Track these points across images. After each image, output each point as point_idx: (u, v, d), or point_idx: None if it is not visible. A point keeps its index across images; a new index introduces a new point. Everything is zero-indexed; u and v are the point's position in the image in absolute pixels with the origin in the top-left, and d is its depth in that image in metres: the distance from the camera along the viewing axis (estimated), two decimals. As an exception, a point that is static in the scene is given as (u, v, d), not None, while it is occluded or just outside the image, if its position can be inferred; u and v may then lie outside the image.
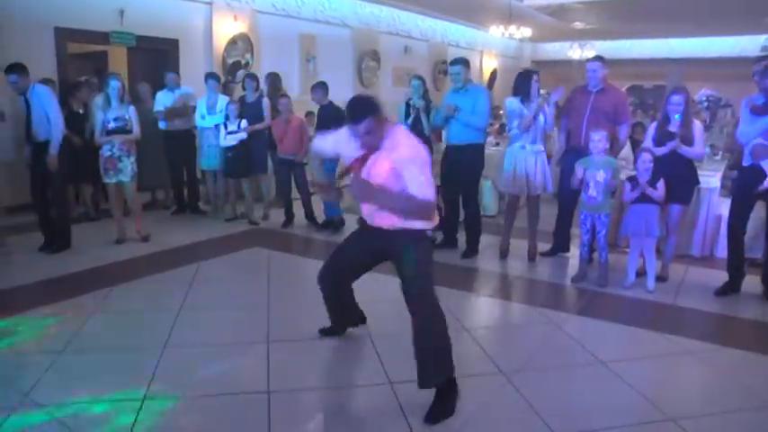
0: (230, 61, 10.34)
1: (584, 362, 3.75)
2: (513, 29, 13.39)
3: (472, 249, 6.07)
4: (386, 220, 3.19)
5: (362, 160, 3.20)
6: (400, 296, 3.89)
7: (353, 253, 3.53)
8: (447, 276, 5.40)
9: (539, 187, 5.76)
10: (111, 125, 6.20)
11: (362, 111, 3.05)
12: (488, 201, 7.81)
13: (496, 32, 13.97)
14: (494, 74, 18.12)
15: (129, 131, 6.28)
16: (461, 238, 6.24)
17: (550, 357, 3.81)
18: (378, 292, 4.38)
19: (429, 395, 3.15)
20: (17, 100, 6.50)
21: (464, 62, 5.95)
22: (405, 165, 3.00)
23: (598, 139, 5.04)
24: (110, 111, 6.24)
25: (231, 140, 7.24)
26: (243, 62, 10.54)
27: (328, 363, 3.78)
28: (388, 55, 13.84)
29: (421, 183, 3.00)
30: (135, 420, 2.99)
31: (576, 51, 18.40)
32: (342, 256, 3.59)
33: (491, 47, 17.75)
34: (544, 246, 6.13)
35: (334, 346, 3.97)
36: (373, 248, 3.37)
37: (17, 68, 5.77)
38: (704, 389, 3.58)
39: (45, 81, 7.01)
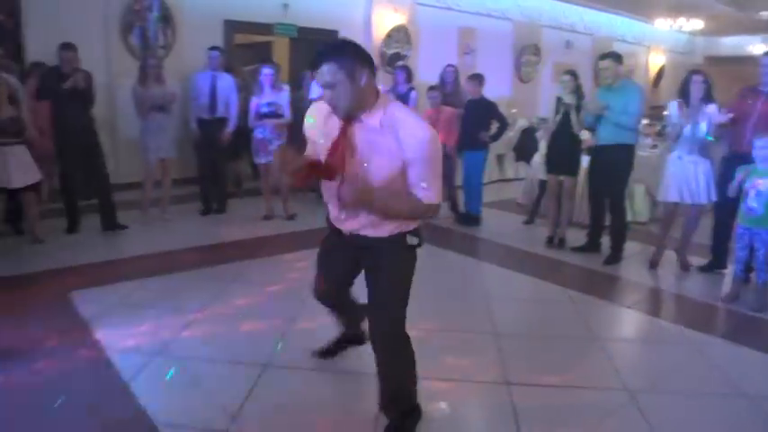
0: (389, 53, 10.53)
1: (724, 392, 3.42)
2: (681, 21, 12.44)
3: (615, 256, 5.75)
4: (358, 224, 2.62)
5: (338, 145, 2.48)
6: (531, 296, 3.82)
7: (338, 265, 2.97)
8: (585, 281, 5.26)
9: (698, 198, 5.32)
10: (264, 110, 6.59)
11: (335, 50, 2.38)
12: (640, 206, 7.36)
13: (663, 25, 13.08)
14: (660, 71, 17.07)
15: (281, 116, 6.62)
16: (606, 243, 5.94)
17: (684, 381, 3.51)
18: (509, 290, 4.31)
19: (542, 400, 3.06)
20: (184, 85, 7.47)
21: (614, 57, 5.66)
22: (418, 160, 2.40)
23: (762, 146, 4.59)
24: (262, 96, 6.61)
25: None
26: (402, 54, 10.70)
27: (446, 355, 3.72)
28: (550, 50, 13.50)
29: (431, 182, 2.46)
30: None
31: (758, 47, 16.75)
32: (330, 269, 3.01)
33: (659, 42, 16.71)
34: (701, 261, 5.68)
35: (455, 338, 3.93)
36: (349, 257, 2.84)
37: (219, 48, 7.18)
38: None
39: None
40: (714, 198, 5.33)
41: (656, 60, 17.07)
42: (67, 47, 5.95)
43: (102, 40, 7.72)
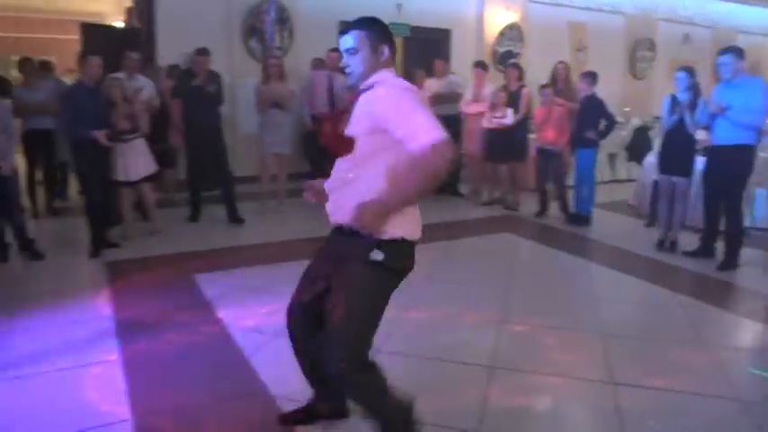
0: (501, 50, 10.59)
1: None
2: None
3: (730, 262, 5.59)
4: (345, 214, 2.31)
5: (335, 119, 2.45)
6: (640, 299, 3.82)
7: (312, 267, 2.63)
8: (696, 287, 5.23)
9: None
10: None
11: (365, 21, 2.48)
12: (761, 211, 7.09)
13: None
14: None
15: None
16: (720, 248, 5.77)
17: None
18: (617, 292, 4.33)
19: (647, 402, 3.13)
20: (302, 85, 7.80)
21: (736, 51, 5.49)
22: (385, 117, 2.21)
23: None
24: None
25: (493, 124, 7.53)
26: (515, 51, 10.73)
27: (552, 351, 3.82)
28: (665, 44, 13.12)
29: (410, 124, 2.15)
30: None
31: None
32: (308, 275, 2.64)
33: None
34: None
35: (562, 336, 4.02)
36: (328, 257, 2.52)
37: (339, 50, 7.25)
38: None
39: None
40: None
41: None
42: (201, 52, 6.48)
43: (224, 43, 8.26)
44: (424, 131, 2.12)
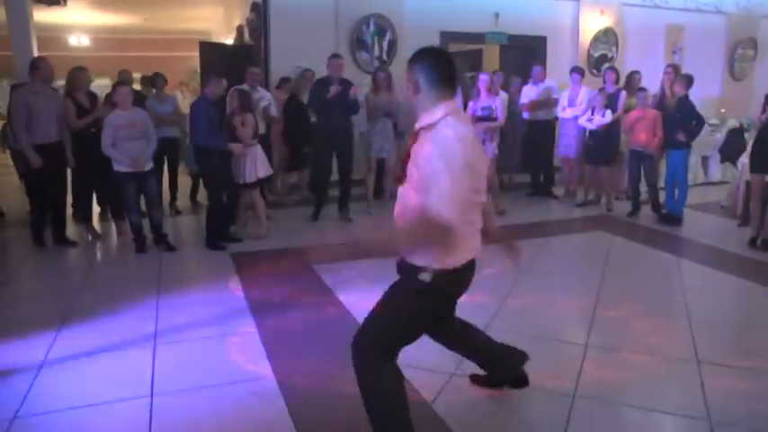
0: (596, 54, 10.89)
1: None
2: None
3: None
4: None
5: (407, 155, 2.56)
6: (729, 291, 4.25)
7: None
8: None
9: None
10: (479, 113, 7.38)
11: (416, 54, 2.57)
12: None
13: None
14: None
15: (495, 119, 7.38)
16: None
17: None
18: (707, 284, 4.75)
19: (731, 380, 3.57)
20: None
21: None
22: (424, 169, 2.39)
23: None
24: (479, 101, 7.41)
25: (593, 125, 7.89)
26: (609, 55, 11.02)
27: (642, 333, 4.25)
28: (768, 42, 12.91)
29: (441, 193, 2.33)
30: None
31: None
32: None
33: None
34: None
35: (652, 320, 4.46)
36: None
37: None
38: None
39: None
40: None
41: None
42: (338, 55, 7.33)
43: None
44: (439, 205, 2.32)
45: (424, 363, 3.64)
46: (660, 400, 3.42)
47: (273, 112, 7.41)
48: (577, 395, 3.44)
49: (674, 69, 8.19)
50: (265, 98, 7.30)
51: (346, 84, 7.16)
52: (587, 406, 3.33)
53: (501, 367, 3.34)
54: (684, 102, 7.23)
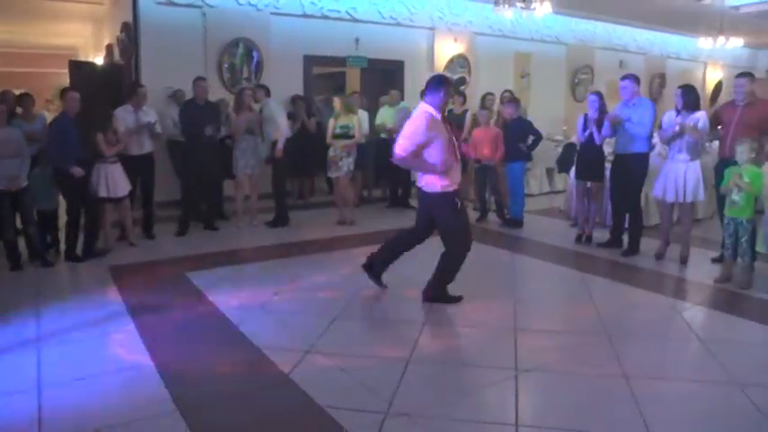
0: (455, 77, 11.76)
1: (682, 338, 4.56)
2: (721, 40, 13.06)
3: (632, 249, 6.77)
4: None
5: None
6: (553, 276, 4.87)
7: None
8: (606, 268, 6.38)
9: (689, 195, 6.27)
10: (338, 131, 7.92)
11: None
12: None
13: (706, 44, 13.70)
14: (718, 86, 17.61)
15: (352, 137, 7.95)
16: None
17: (653, 330, 4.69)
18: (534, 272, 5.44)
19: (541, 344, 4.20)
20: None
21: (632, 78, 6.74)
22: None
23: (741, 150, 5.55)
24: (338, 120, 7.95)
25: None
26: (468, 79, 11.95)
27: (472, 313, 4.92)
28: (603, 69, 14.41)
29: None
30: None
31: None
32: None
33: (717, 57, 17.25)
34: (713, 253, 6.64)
35: (484, 303, 5.10)
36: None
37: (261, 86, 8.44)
38: None
39: (296, 97, 9.20)
40: (701, 198, 6.36)
41: (713, 76, 17.63)
42: (200, 79, 7.70)
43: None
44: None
45: (281, 343, 4.25)
46: (476, 358, 4.04)
47: (158, 129, 7.55)
48: (411, 360, 4.00)
49: (508, 96, 9.16)
50: (150, 115, 7.47)
51: (211, 105, 7.65)
52: (417, 368, 3.91)
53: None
54: (518, 121, 8.22)
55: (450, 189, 4.86)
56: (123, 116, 7.18)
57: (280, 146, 7.91)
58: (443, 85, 4.86)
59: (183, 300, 5.22)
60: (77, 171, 6.28)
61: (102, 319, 4.74)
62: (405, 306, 5.11)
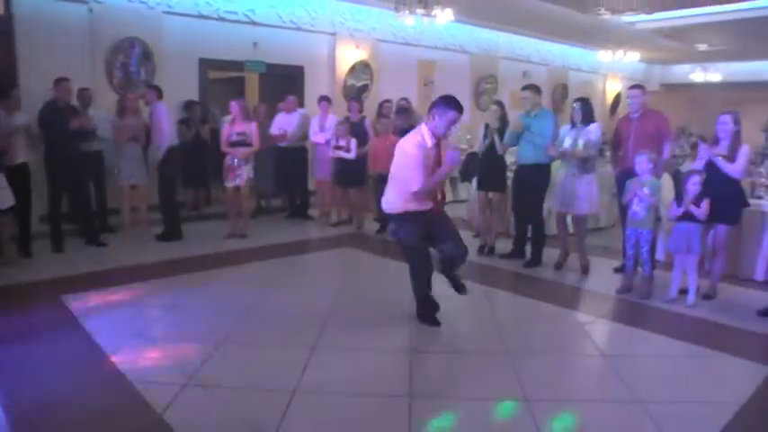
0: (358, 84, 11.47)
1: (585, 353, 4.38)
2: (620, 53, 13.44)
3: (535, 260, 6.62)
4: None
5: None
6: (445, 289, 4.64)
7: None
8: (509, 281, 6.22)
9: (580, 208, 6.25)
10: (234, 138, 7.42)
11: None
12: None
13: (605, 57, 14.09)
14: (617, 98, 18.14)
15: (249, 144, 7.47)
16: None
17: (558, 346, 4.50)
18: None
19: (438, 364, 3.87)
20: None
21: (533, 88, 6.62)
22: None
23: (640, 161, 5.49)
24: (234, 126, 7.48)
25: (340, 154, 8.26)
26: (370, 87, 11.66)
27: (367, 330, 4.57)
28: (506, 79, 14.47)
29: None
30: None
31: (699, 74, 17.93)
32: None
33: (616, 70, 17.77)
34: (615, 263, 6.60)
35: (378, 320, 4.75)
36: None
37: (151, 86, 7.71)
38: (684, 383, 3.91)
39: (190, 103, 8.61)
40: (594, 210, 6.41)
41: (612, 88, 18.16)
42: (63, 79, 6.98)
43: (89, 77, 8.49)
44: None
45: (158, 376, 3.78)
46: (368, 386, 3.71)
47: (35, 130, 6.81)
48: (297, 391, 3.63)
49: (401, 105, 8.99)
50: (23, 118, 6.71)
51: (73, 110, 7.03)
52: (303, 400, 3.54)
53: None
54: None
55: (412, 210, 4.65)
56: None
57: (159, 154, 7.38)
58: (453, 108, 4.58)
59: (54, 327, 4.64)
60: None
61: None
62: (296, 328, 4.68)
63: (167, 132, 7.48)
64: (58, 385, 3.68)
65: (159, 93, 7.55)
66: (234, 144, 7.49)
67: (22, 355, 4.09)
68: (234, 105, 7.58)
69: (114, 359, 4.02)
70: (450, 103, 4.60)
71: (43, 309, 5.05)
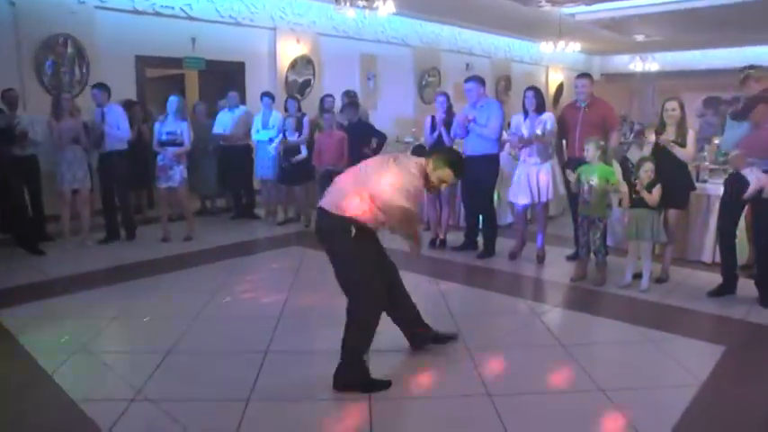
0: (300, 80, 11.25)
1: (544, 344, 4.31)
2: (561, 44, 13.57)
3: (488, 251, 6.55)
4: None
5: None
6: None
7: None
8: (463, 273, 6.14)
9: (542, 196, 6.20)
10: (164, 137, 7.13)
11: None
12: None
13: (547, 48, 14.22)
14: (560, 88, 18.36)
15: (180, 144, 7.18)
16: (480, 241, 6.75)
17: (517, 338, 4.42)
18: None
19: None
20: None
21: (477, 79, 6.55)
22: None
23: (588, 149, 5.48)
24: (165, 125, 7.17)
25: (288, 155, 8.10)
26: (311, 81, 11.45)
27: (319, 330, 4.38)
28: (450, 72, 14.40)
29: None
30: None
31: (638, 64, 18.28)
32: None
33: (557, 61, 17.92)
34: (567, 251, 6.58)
35: (330, 319, 4.58)
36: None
37: (101, 86, 7.20)
38: (644, 368, 3.91)
39: (130, 102, 8.24)
40: (561, 192, 6.27)
41: (554, 78, 18.36)
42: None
43: (16, 77, 8.05)
44: None
45: (103, 392, 3.57)
46: (322, 390, 3.55)
47: None
48: (251, 399, 3.46)
49: (348, 97, 8.89)
50: None
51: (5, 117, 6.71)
52: (257, 407, 3.38)
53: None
54: (359, 125, 8.01)
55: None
56: None
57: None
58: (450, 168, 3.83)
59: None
60: None
61: None
62: (247, 333, 4.48)
63: (129, 133, 7.35)
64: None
65: (110, 93, 7.23)
66: (163, 144, 7.18)
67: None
68: (169, 103, 7.29)
69: (56, 378, 3.73)
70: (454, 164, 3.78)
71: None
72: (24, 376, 3.81)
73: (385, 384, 3.58)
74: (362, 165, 3.80)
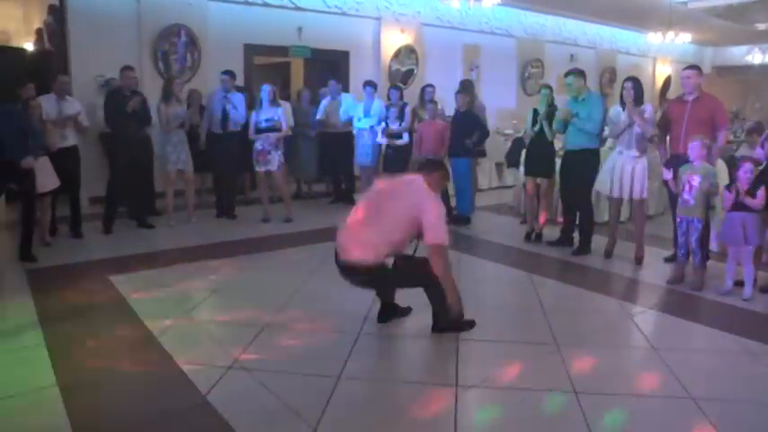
0: (403, 70, 11.42)
1: (635, 345, 4.29)
2: (671, 35, 13.02)
3: (583, 248, 6.48)
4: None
5: None
6: (499, 278, 4.57)
7: None
8: (557, 269, 6.13)
9: (636, 192, 6.06)
10: (263, 125, 7.45)
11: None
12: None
13: (655, 39, 13.69)
14: (667, 81, 17.65)
15: (278, 129, 7.50)
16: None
17: (607, 338, 4.39)
18: (482, 275, 5.06)
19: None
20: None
21: (577, 73, 6.45)
22: None
23: (692, 147, 5.31)
24: (261, 112, 7.50)
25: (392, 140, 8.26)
26: (415, 71, 11.58)
27: (410, 320, 4.55)
28: (553, 63, 14.16)
29: None
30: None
31: (757, 56, 17.24)
32: None
33: (666, 53, 17.27)
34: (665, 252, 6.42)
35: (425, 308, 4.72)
36: None
37: (229, 72, 7.93)
38: (739, 381, 3.74)
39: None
40: (645, 195, 6.15)
41: (662, 71, 17.67)
42: (128, 68, 7.13)
43: (135, 65, 8.56)
44: None
45: (204, 358, 3.81)
46: (415, 375, 3.70)
47: (85, 122, 6.98)
48: (342, 377, 3.62)
49: (461, 85, 8.78)
50: (74, 107, 6.86)
51: (137, 95, 7.06)
52: (348, 386, 3.53)
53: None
54: (467, 115, 7.83)
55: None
56: (45, 106, 6.54)
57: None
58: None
59: (103, 309, 4.73)
60: (26, 163, 5.75)
61: (9, 333, 4.21)
62: (341, 315, 4.67)
63: (245, 117, 7.90)
64: (107, 366, 3.74)
65: (236, 78, 7.95)
66: (262, 130, 7.50)
67: (71, 337, 4.16)
68: (262, 91, 7.64)
69: (161, 342, 4.07)
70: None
71: (92, 290, 5.13)
72: (135, 336, 4.18)
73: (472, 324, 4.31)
74: (374, 205, 4.12)
